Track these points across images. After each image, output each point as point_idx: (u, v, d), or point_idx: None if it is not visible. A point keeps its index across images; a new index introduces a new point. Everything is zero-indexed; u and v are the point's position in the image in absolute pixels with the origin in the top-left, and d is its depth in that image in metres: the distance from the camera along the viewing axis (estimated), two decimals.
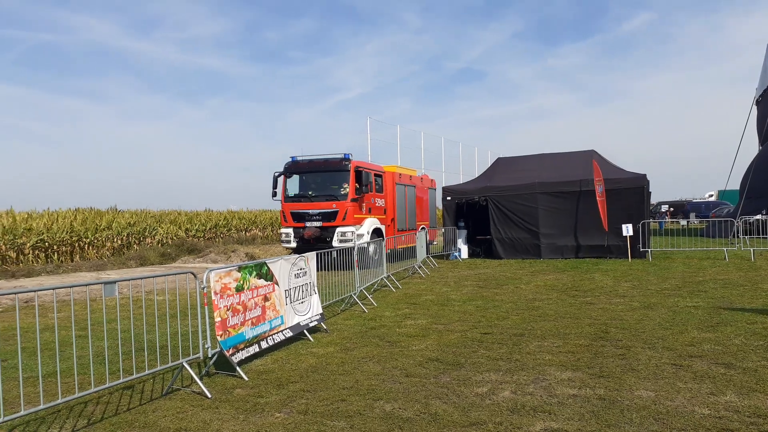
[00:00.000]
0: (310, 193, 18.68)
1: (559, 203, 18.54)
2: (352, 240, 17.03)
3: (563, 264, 16.89)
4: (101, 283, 5.04)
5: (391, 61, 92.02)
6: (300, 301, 8.29)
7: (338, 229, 17.68)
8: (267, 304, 7.33)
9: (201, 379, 5.87)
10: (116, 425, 4.90)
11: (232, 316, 6.51)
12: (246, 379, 6.12)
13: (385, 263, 12.95)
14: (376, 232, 19.07)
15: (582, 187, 18.13)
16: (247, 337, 6.74)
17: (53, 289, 4.94)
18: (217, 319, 6.24)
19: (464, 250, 20.39)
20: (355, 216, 17.82)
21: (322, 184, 18.73)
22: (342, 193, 18.04)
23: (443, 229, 20.47)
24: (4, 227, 22.43)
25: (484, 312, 9.63)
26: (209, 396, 5.58)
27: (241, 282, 6.79)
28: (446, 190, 20.83)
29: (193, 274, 6.39)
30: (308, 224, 18.14)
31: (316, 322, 8.50)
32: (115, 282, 5.15)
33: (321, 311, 8.81)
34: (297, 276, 8.32)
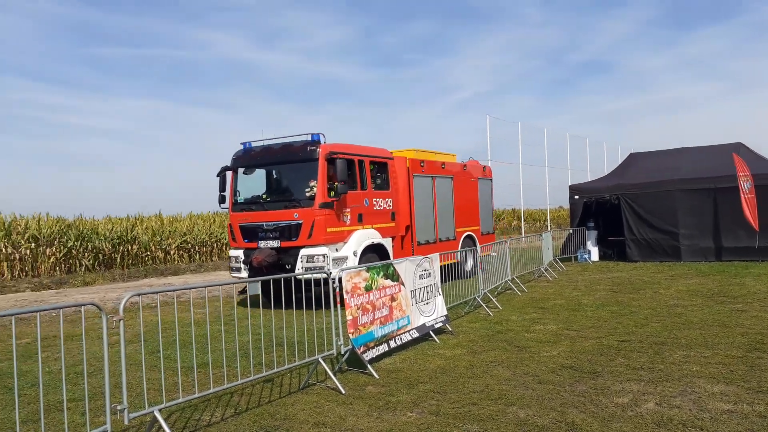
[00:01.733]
0: (263, 196, 12.08)
1: (700, 201, 17.03)
2: (324, 266, 10.66)
3: (707, 267, 15.54)
4: (246, 282, 5.40)
5: (511, 58, 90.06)
6: (425, 302, 8.33)
7: (302, 252, 10.87)
8: (394, 304, 7.44)
9: (335, 375, 6.08)
10: (260, 416, 5.21)
11: (362, 315, 6.69)
12: (377, 377, 6.26)
13: (509, 265, 12.68)
14: (375, 250, 11.97)
15: (726, 183, 16.56)
16: (376, 336, 6.89)
17: (219, 285, 5.36)
18: (349, 317, 6.44)
19: (594, 252, 19.29)
20: (328, 230, 11.00)
21: (279, 182, 12.37)
22: (307, 195, 11.16)
23: (570, 230, 19.50)
24: (153, 230, 24.76)
25: (620, 318, 9.10)
26: (343, 392, 5.77)
27: (370, 282, 6.96)
28: (573, 189, 19.90)
29: (326, 273, 6.66)
30: (261, 244, 11.38)
31: (441, 324, 8.50)
32: (258, 281, 5.50)
33: (446, 313, 8.80)
34: (422, 277, 8.37)
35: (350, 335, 6.38)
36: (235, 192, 12.30)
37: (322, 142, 11.34)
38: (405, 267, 7.87)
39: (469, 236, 15.89)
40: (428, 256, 8.77)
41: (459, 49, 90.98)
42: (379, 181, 12.69)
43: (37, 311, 4.19)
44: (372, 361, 6.58)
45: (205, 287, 5.48)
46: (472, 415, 4.97)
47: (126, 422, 4.32)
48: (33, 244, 19.65)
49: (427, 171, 14.26)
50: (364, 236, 11.81)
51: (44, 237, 20.00)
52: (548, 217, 37.97)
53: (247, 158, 12.10)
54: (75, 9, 67.95)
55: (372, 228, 12.10)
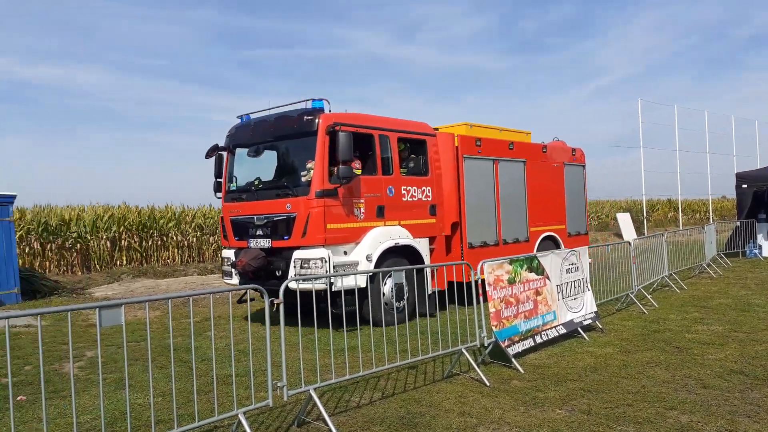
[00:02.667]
0: (255, 182, 9.59)
1: None
2: (321, 274, 8.08)
3: None
4: (391, 270, 5.54)
5: (664, 36, 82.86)
6: (572, 298, 8.00)
7: (295, 254, 8.47)
8: (539, 298, 7.23)
9: (478, 366, 6.05)
10: (406, 401, 5.33)
11: (505, 308, 6.59)
12: (522, 371, 6.13)
13: (666, 260, 11.75)
14: (402, 253, 9.28)
15: None
16: (520, 330, 6.74)
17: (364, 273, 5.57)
18: (492, 309, 6.37)
19: (766, 247, 17.31)
20: (330, 226, 8.42)
21: (273, 164, 9.74)
22: (303, 180, 8.65)
23: (737, 222, 17.63)
24: None
25: None
26: (488, 384, 5.73)
27: (513, 275, 6.82)
28: (741, 177, 17.93)
29: (468, 264, 6.65)
30: (251, 243, 9.14)
31: (590, 321, 8.11)
32: (402, 270, 5.62)
33: (595, 309, 8.37)
34: (569, 271, 8.04)
35: (493, 328, 6.31)
36: (229, 177, 9.89)
37: (325, 110, 8.70)
38: (551, 260, 7.60)
39: (550, 238, 12.33)
40: (576, 249, 8.39)
41: (605, 31, 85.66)
42: (412, 164, 9.88)
43: (209, 293, 4.64)
44: (517, 355, 6.46)
45: (344, 275, 5.69)
46: (627, 417, 4.70)
47: (285, 398, 4.64)
48: (198, 233, 21.70)
49: (486, 152, 10.95)
50: (384, 235, 8.93)
51: (208, 226, 22.00)
52: (710, 208, 34.64)
53: (240, 135, 9.73)
54: (229, 17, 73.80)
55: (398, 225, 9.26)
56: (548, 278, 7.49)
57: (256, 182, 9.54)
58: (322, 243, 8.34)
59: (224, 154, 9.99)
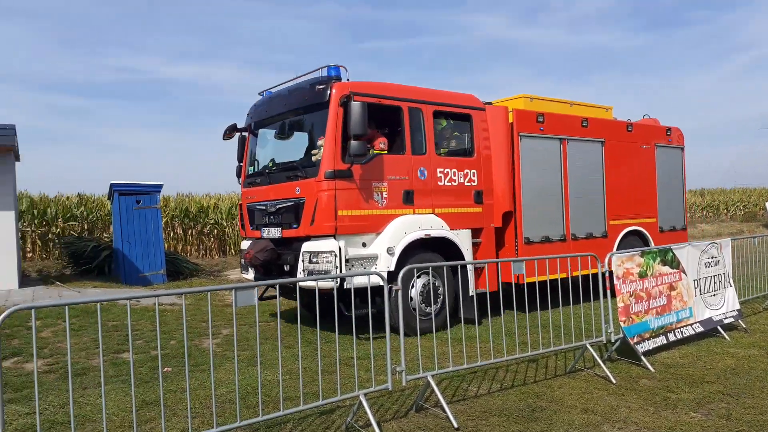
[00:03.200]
0: (269, 164, 8.78)
1: None
2: (332, 269, 7.13)
3: None
4: (513, 261, 5.44)
5: None
6: (712, 294, 7.38)
7: (303, 246, 7.53)
8: (673, 293, 6.75)
9: (604, 363, 5.78)
10: (525, 394, 5.23)
11: (635, 303, 6.22)
12: (652, 370, 5.78)
13: None
14: (435, 247, 8.02)
15: None
16: (651, 327, 6.34)
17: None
18: (620, 304, 6.05)
19: None
20: (342, 213, 7.33)
21: (286, 142, 8.70)
22: (312, 159, 7.76)
23: None
24: None
25: None
26: (614, 381, 5.46)
27: (644, 268, 6.42)
28: None
29: (594, 256, 6.36)
30: (264, 233, 8.33)
31: (732, 319, 7.44)
32: (522, 261, 5.50)
33: (738, 307, 7.67)
34: (707, 265, 7.42)
35: (622, 323, 5.99)
36: (250, 159, 9.14)
37: (342, 78, 7.59)
38: (687, 253, 7.07)
39: (635, 234, 10.60)
40: (716, 241, 7.72)
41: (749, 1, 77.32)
42: (453, 143, 8.69)
43: (333, 278, 4.84)
44: (647, 353, 6.09)
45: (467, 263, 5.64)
46: None
47: (404, 383, 4.74)
48: None
49: (550, 129, 9.35)
50: (411, 225, 7.69)
51: None
52: None
53: (257, 113, 8.92)
54: (351, 9, 75.59)
55: (432, 213, 8.02)
56: (684, 272, 6.97)
57: (270, 164, 8.68)
58: (332, 232, 7.25)
59: (246, 135, 9.21)
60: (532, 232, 9.03)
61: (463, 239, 8.25)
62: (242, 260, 8.70)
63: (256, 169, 8.93)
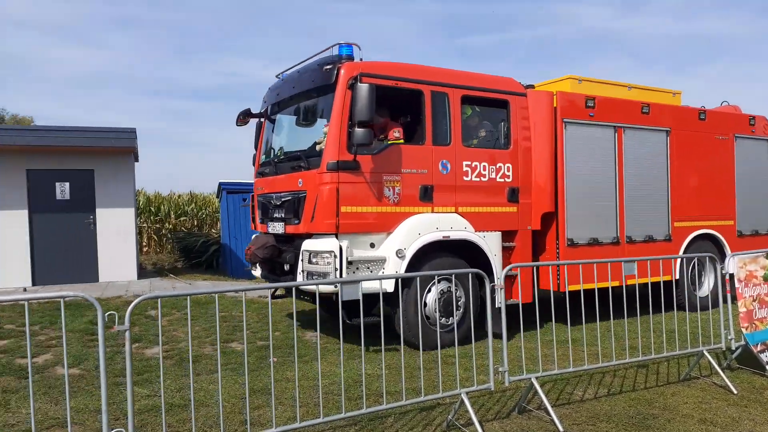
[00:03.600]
0: (277, 153, 8.17)
1: None
2: (331, 272, 6.34)
3: None
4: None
5: None
6: None
7: (304, 245, 6.78)
8: None
9: (723, 371, 5.39)
10: (635, 401, 4.99)
11: (758, 308, 5.76)
12: None
13: None
14: (455, 250, 7.14)
15: None
16: None
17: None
18: (742, 309, 5.61)
19: None
20: (345, 209, 6.56)
21: (294, 129, 8.07)
22: (316, 149, 7.04)
23: None
24: None
25: None
26: (734, 392, 5.09)
27: None
28: None
29: (713, 257, 5.96)
30: (269, 227, 7.73)
31: None
32: (633, 261, 5.24)
33: None
34: None
35: (743, 330, 5.56)
36: (265, 147, 8.43)
37: (355, 58, 6.79)
38: None
39: (706, 237, 9.30)
40: None
41: None
42: (484, 132, 7.64)
43: (435, 274, 4.83)
44: None
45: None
46: None
47: (506, 384, 4.66)
48: None
49: (602, 115, 8.19)
50: (427, 225, 6.85)
51: None
52: None
53: (270, 97, 8.18)
54: (446, 6, 75.21)
55: (454, 212, 7.12)
56: None
57: (279, 153, 8.07)
58: (332, 230, 6.49)
59: (262, 120, 8.47)
60: (578, 232, 7.94)
61: (491, 242, 7.24)
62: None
63: (269, 158, 8.21)
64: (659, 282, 6.71)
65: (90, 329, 7.78)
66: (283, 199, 7.32)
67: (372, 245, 6.73)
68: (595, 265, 5.48)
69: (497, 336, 4.75)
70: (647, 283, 7.59)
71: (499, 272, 6.97)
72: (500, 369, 4.59)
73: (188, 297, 3.80)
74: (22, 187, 12.10)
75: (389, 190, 6.77)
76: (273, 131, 8.27)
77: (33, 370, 6.00)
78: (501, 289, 4.79)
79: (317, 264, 6.48)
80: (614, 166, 8.35)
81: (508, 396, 5.17)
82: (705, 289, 9.31)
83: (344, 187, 6.52)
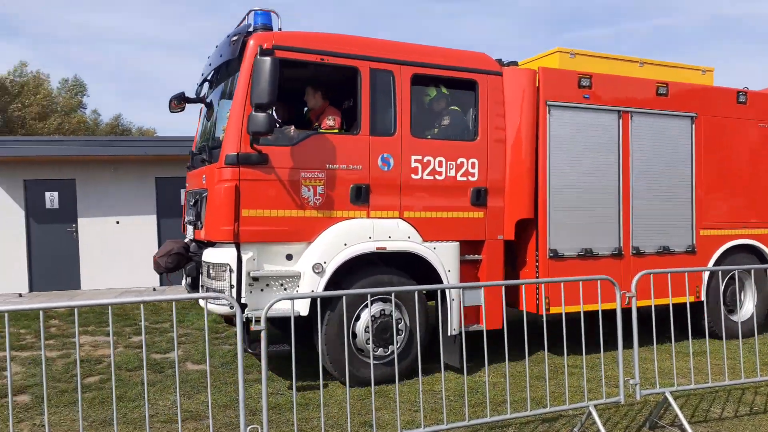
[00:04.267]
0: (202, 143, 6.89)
1: None
2: (227, 290, 5.19)
3: None
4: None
5: None
6: None
7: (204, 254, 5.62)
8: None
9: None
10: None
11: None
12: None
13: None
14: (393, 265, 5.85)
15: None
16: None
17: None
18: None
19: None
20: (247, 212, 5.29)
21: (218, 115, 6.53)
22: (220, 138, 5.72)
23: None
24: None
25: None
26: None
27: None
28: None
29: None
30: (188, 230, 6.55)
31: None
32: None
33: None
34: None
35: None
36: (198, 137, 7.17)
37: (273, 28, 5.54)
38: None
39: (745, 249, 7.56)
40: None
41: None
42: (445, 119, 6.35)
43: (560, 281, 4.66)
44: None
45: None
46: None
47: (637, 397, 4.41)
48: None
49: (600, 96, 6.65)
50: (356, 233, 5.63)
51: None
52: None
53: (203, 77, 6.86)
54: (551, 1, 73.17)
55: (398, 218, 5.84)
56: None
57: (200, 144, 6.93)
58: (230, 239, 5.30)
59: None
60: (564, 242, 6.48)
61: (444, 255, 5.89)
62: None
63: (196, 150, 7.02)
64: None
65: (214, 327, 8.23)
66: (193, 199, 6.22)
67: (289, 257, 5.53)
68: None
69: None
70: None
71: (453, 292, 5.72)
72: (631, 382, 4.37)
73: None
74: (151, 195, 13.18)
75: (308, 190, 5.52)
76: (204, 116, 6.98)
77: (167, 365, 6.47)
78: (633, 297, 4.50)
79: (214, 279, 5.40)
80: (617, 159, 6.77)
81: (636, 410, 4.90)
82: (746, 309, 7.41)
83: (246, 185, 5.30)
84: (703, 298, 7.01)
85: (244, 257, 5.25)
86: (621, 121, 6.78)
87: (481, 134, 6.18)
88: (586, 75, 6.58)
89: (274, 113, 5.89)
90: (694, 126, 7.20)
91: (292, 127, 5.64)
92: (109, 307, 3.54)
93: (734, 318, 7.31)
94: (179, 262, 5.99)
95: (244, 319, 4.83)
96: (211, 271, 5.43)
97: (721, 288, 6.69)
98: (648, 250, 6.94)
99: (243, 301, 5.19)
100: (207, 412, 4.66)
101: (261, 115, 5.00)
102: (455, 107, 6.32)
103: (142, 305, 3.61)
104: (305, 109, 6.56)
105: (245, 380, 3.76)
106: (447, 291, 5.69)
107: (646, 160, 6.95)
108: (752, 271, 6.96)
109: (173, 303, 3.68)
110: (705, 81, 7.71)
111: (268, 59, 5.02)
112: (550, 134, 6.34)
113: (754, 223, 7.54)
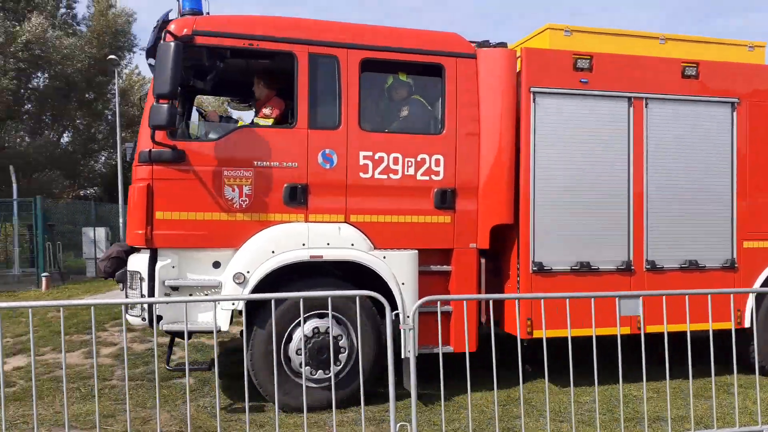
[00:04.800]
0: None
1: None
2: (137, 296, 4.94)
3: None
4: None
5: None
6: None
7: (129, 261, 5.11)
8: None
9: None
10: None
11: None
12: None
13: None
14: (334, 275, 5.34)
15: None
16: None
17: None
18: None
19: None
20: (159, 215, 4.89)
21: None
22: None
23: None
24: None
25: None
26: None
27: None
28: None
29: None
30: None
31: None
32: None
33: None
34: None
35: None
36: None
37: (203, 13, 5.18)
38: None
39: None
40: None
41: None
42: (404, 110, 5.63)
43: (300, 296, 4.33)
44: None
45: None
46: None
47: None
48: None
49: (602, 81, 5.64)
50: (287, 239, 5.05)
51: None
52: None
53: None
54: None
55: (345, 222, 5.23)
56: None
57: None
58: (143, 244, 4.91)
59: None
60: (554, 253, 5.56)
61: (395, 265, 5.15)
62: None
63: None
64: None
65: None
66: None
67: (216, 265, 5.04)
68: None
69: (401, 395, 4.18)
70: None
71: (408, 306, 4.84)
72: None
73: None
74: None
75: (233, 191, 4.99)
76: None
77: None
78: (410, 330, 3.91)
79: (131, 288, 5.00)
80: (627, 155, 5.74)
81: None
82: None
83: (160, 185, 4.85)
84: (746, 324, 5.78)
85: (159, 264, 4.85)
86: (632, 109, 5.73)
87: (448, 127, 5.44)
88: (584, 55, 5.58)
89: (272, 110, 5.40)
90: (735, 114, 5.98)
91: (216, 117, 5.46)
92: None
93: None
94: (118, 266, 5.34)
95: (166, 332, 4.83)
96: (128, 279, 5.04)
97: None
98: (668, 265, 5.83)
99: (157, 312, 4.72)
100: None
101: (162, 107, 4.57)
102: (418, 96, 5.62)
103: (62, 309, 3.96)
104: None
105: None
106: (401, 304, 4.88)
107: (667, 156, 5.85)
108: None
109: (92, 309, 3.78)
110: (753, 59, 6.40)
111: (171, 44, 4.60)
112: (534, 126, 5.47)
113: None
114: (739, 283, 5.90)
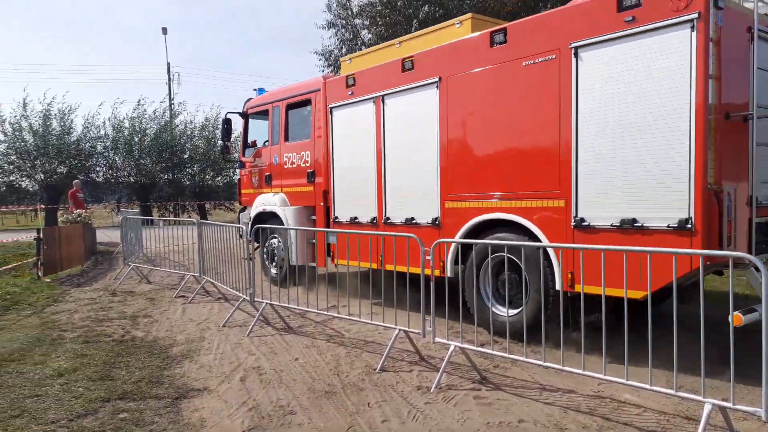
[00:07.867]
0: None
1: None
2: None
3: None
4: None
5: None
6: None
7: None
8: None
9: None
10: None
11: None
12: None
13: None
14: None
15: None
16: None
17: None
18: None
19: None
20: (242, 191, 11.54)
21: None
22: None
23: None
24: None
25: None
26: None
27: None
28: None
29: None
30: None
31: None
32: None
33: None
34: None
35: None
36: None
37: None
38: None
39: (506, 224, 6.11)
40: None
41: None
42: (299, 128, 9.86)
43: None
44: None
45: None
46: None
47: None
48: None
49: (361, 90, 7.88)
50: (263, 201, 10.41)
51: None
52: None
53: None
54: None
55: (280, 192, 10.02)
56: None
57: None
58: (243, 204, 11.47)
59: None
60: (343, 211, 8.42)
61: (289, 214, 9.54)
62: None
63: None
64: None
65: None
66: None
67: (243, 210, 11.62)
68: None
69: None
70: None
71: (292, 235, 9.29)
72: None
73: None
74: None
75: (253, 178, 11.06)
76: None
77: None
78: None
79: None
80: (374, 142, 7.55)
81: None
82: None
83: (241, 175, 11.82)
84: (448, 274, 6.44)
85: (245, 212, 11.38)
86: (375, 107, 7.53)
87: (312, 134, 9.21)
88: (351, 75, 7.94)
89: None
90: (438, 91, 6.65)
91: (255, 145, 11.22)
92: None
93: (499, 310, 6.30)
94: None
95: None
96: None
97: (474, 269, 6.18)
98: (398, 221, 7.35)
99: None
100: None
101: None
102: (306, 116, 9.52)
103: None
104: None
105: None
106: (292, 230, 9.15)
107: (398, 138, 7.26)
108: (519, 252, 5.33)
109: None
110: (462, 33, 6.77)
111: (224, 118, 11.17)
112: (332, 131, 8.54)
113: (520, 193, 5.93)
114: (442, 236, 6.64)
